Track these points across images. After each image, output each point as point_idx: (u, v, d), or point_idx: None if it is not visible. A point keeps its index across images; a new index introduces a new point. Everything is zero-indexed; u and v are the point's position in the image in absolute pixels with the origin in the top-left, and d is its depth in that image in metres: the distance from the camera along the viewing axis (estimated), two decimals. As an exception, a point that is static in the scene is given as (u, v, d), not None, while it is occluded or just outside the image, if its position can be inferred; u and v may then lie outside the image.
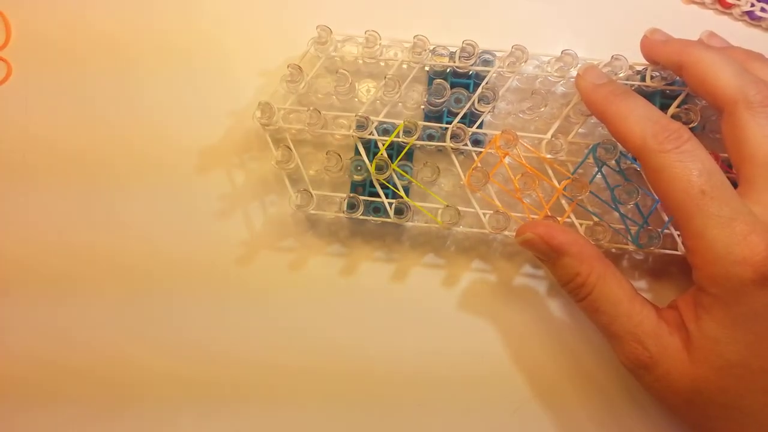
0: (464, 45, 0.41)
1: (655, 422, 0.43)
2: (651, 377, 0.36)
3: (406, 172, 0.42)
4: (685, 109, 0.40)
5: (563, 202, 0.41)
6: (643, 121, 0.35)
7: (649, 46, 0.40)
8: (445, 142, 0.42)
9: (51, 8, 0.47)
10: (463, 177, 0.42)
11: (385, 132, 0.42)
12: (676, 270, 0.44)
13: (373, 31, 0.41)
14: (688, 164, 0.34)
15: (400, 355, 0.44)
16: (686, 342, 0.35)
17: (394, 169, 0.41)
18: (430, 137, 0.42)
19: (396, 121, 0.42)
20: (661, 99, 0.42)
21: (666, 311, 0.37)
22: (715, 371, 0.34)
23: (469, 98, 0.42)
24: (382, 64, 0.44)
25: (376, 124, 0.42)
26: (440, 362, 0.44)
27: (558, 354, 0.44)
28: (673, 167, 0.34)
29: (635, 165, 0.41)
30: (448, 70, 0.43)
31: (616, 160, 0.41)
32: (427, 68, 0.43)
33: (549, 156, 0.42)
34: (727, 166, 0.39)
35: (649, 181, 0.36)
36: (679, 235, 0.41)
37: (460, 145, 0.42)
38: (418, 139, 0.41)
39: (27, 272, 0.45)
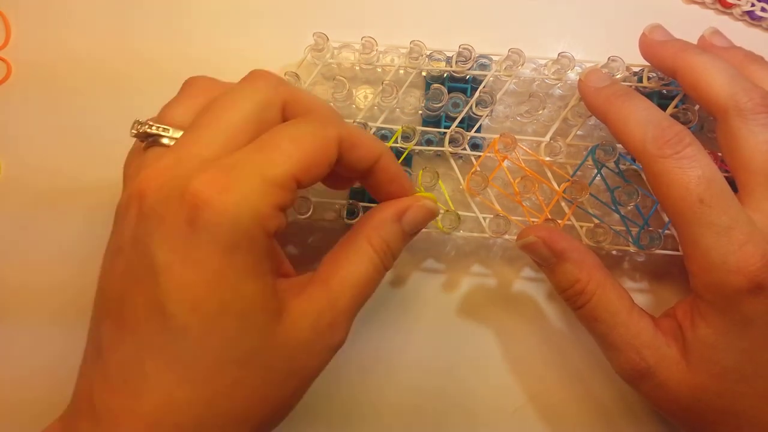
0: (461, 49, 0.41)
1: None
2: (648, 386, 0.36)
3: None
4: (683, 108, 0.40)
5: (563, 204, 0.41)
6: (643, 124, 0.35)
7: (647, 45, 0.40)
8: (443, 146, 0.42)
9: (51, 9, 0.48)
10: (462, 181, 0.42)
11: (384, 138, 0.42)
12: (677, 271, 0.43)
13: (369, 37, 0.42)
14: (687, 171, 0.33)
15: (399, 360, 0.44)
16: (683, 350, 0.35)
17: (393, 175, 0.41)
18: (429, 142, 0.42)
19: (394, 127, 0.42)
20: (658, 99, 0.42)
21: (662, 320, 0.37)
22: (712, 377, 0.34)
23: (467, 102, 0.42)
24: (379, 70, 0.44)
25: (374, 130, 0.42)
26: (439, 367, 0.44)
27: (555, 360, 0.43)
28: (671, 173, 0.34)
29: (635, 166, 0.41)
30: (445, 74, 0.43)
31: (615, 162, 0.41)
32: (424, 73, 0.43)
33: (548, 159, 0.42)
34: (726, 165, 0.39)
35: (648, 184, 0.36)
36: (679, 236, 0.41)
37: (459, 150, 0.42)
38: (416, 144, 0.41)
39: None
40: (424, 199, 0.36)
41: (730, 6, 0.46)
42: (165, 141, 0.33)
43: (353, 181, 0.38)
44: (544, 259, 0.38)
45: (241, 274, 0.29)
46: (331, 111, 0.35)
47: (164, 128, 0.33)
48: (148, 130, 0.33)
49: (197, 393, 0.29)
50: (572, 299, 0.38)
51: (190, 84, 0.36)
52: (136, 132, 0.33)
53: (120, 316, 0.30)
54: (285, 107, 0.34)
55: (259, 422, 0.31)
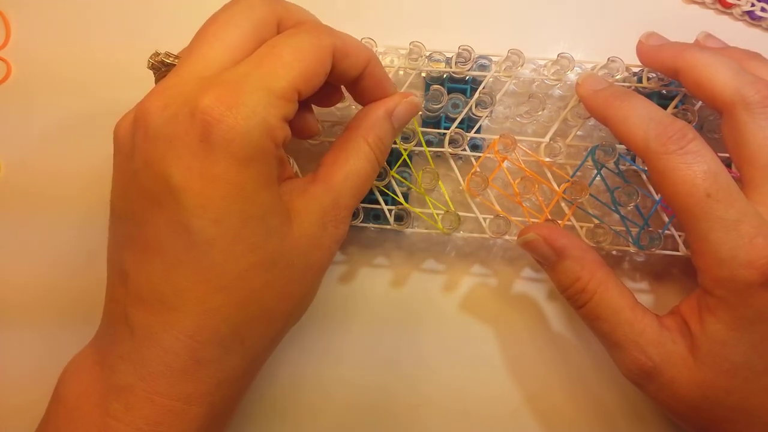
0: (460, 50, 0.41)
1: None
2: (655, 386, 0.36)
3: (405, 179, 0.42)
4: (683, 109, 0.40)
5: (563, 205, 0.41)
6: (645, 122, 0.35)
7: (645, 52, 0.40)
8: (443, 147, 0.42)
9: (51, 9, 0.48)
10: (462, 182, 0.42)
11: (383, 139, 0.42)
12: (677, 271, 0.43)
13: (368, 38, 0.42)
14: (692, 166, 0.33)
15: (399, 361, 0.44)
16: (691, 347, 0.35)
17: (393, 176, 0.41)
18: (429, 143, 0.42)
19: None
20: (658, 100, 0.42)
21: (667, 318, 0.37)
22: (722, 374, 0.34)
23: (467, 103, 0.42)
24: (379, 71, 0.44)
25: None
26: (440, 367, 0.44)
27: (558, 358, 0.44)
28: (677, 169, 0.33)
29: (634, 166, 0.41)
30: (444, 75, 0.43)
31: (615, 162, 0.41)
32: (423, 74, 0.43)
33: (548, 159, 0.42)
34: (728, 166, 0.39)
35: (653, 182, 0.36)
36: (680, 236, 0.41)
37: (459, 151, 0.42)
38: (416, 145, 0.41)
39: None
40: (409, 95, 0.38)
41: (730, 6, 0.46)
42: None
43: (340, 95, 0.40)
44: (545, 257, 0.38)
45: (257, 185, 0.31)
46: (321, 23, 0.36)
47: (176, 57, 0.34)
48: (165, 60, 0.34)
49: (231, 299, 0.31)
50: (574, 298, 0.37)
51: None
52: (152, 62, 0.35)
53: (142, 239, 0.31)
54: (280, 23, 0.34)
55: (287, 317, 0.34)
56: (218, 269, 0.31)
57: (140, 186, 0.31)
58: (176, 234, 0.30)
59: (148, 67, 0.35)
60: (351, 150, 0.36)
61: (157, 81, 0.35)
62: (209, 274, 0.31)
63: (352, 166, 0.36)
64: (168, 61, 0.34)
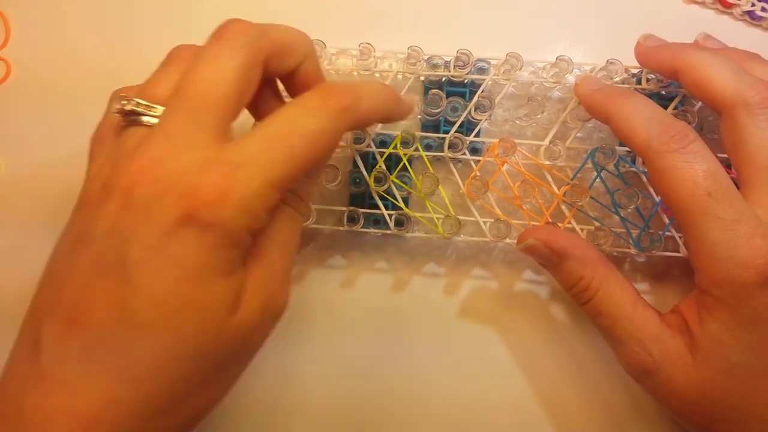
0: (459, 54, 0.41)
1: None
2: (653, 382, 0.36)
3: (405, 183, 0.42)
4: (683, 110, 0.40)
5: (563, 208, 0.41)
6: (647, 121, 0.35)
7: (643, 53, 0.40)
8: (443, 152, 0.42)
9: (51, 9, 0.48)
10: (462, 186, 0.42)
11: (383, 143, 0.42)
12: (678, 272, 0.43)
13: (367, 43, 0.42)
14: (694, 165, 0.33)
15: (401, 365, 0.44)
16: (690, 345, 0.35)
17: (392, 181, 0.41)
18: (428, 147, 0.42)
19: (393, 133, 0.42)
20: (657, 101, 0.41)
21: (669, 315, 0.37)
22: (720, 374, 0.34)
23: (466, 107, 0.42)
24: (377, 75, 0.44)
25: (373, 136, 0.42)
26: (441, 370, 0.44)
27: (560, 360, 0.43)
28: (678, 168, 0.33)
29: (634, 168, 0.41)
30: (443, 79, 0.43)
31: (615, 165, 0.40)
32: (422, 78, 0.43)
33: (548, 162, 0.42)
34: (726, 166, 0.39)
35: (653, 182, 0.36)
36: (680, 237, 0.41)
37: (458, 155, 0.42)
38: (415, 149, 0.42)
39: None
40: None
41: (730, 6, 0.46)
42: (145, 119, 0.31)
43: None
44: (547, 259, 0.38)
45: (217, 272, 0.28)
46: (341, 87, 0.32)
47: (151, 107, 0.31)
48: (135, 108, 0.31)
49: (139, 391, 0.28)
50: (578, 296, 0.38)
51: (175, 55, 0.34)
52: (120, 108, 0.31)
53: (72, 311, 0.28)
54: (267, 60, 0.32)
55: (199, 409, 0.31)
56: (135, 357, 0.27)
57: (93, 253, 0.28)
58: (110, 311, 0.27)
59: (114, 112, 0.32)
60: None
61: (126, 125, 0.31)
62: (122, 360, 0.27)
63: (274, 229, 0.32)
64: (139, 111, 0.31)
